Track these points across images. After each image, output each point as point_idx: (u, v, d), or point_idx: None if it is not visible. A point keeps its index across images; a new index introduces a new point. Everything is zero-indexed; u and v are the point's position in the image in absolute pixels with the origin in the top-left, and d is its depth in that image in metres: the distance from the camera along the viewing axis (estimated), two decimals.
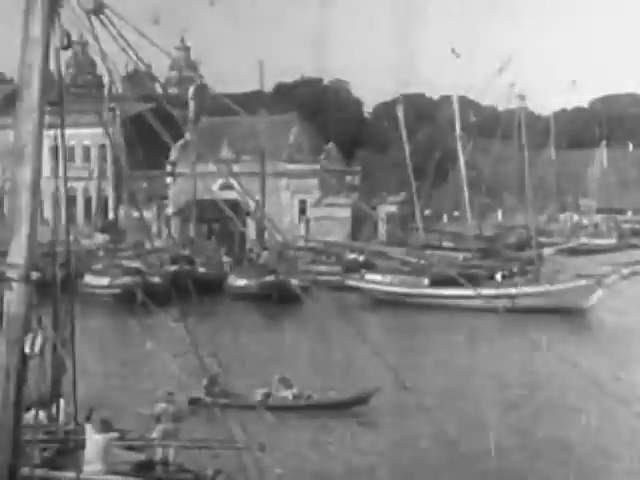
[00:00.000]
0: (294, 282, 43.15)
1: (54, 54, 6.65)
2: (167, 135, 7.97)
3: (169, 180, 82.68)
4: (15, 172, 6.98)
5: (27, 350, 6.86)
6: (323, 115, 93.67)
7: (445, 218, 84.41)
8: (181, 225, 75.66)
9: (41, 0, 6.53)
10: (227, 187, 61.68)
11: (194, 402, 24.19)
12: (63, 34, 6.56)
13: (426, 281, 51.80)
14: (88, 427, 16.77)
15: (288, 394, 26.38)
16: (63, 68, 7.04)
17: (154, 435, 18.91)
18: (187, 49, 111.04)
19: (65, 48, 6.57)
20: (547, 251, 62.59)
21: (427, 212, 77.07)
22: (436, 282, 50.05)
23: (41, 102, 6.72)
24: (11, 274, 6.93)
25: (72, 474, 15.12)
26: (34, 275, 6.92)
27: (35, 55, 6.63)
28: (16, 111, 6.82)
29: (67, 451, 17.25)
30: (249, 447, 13.67)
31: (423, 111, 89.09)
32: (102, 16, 6.45)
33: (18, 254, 6.93)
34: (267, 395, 26.24)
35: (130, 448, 18.22)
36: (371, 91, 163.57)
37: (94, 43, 6.68)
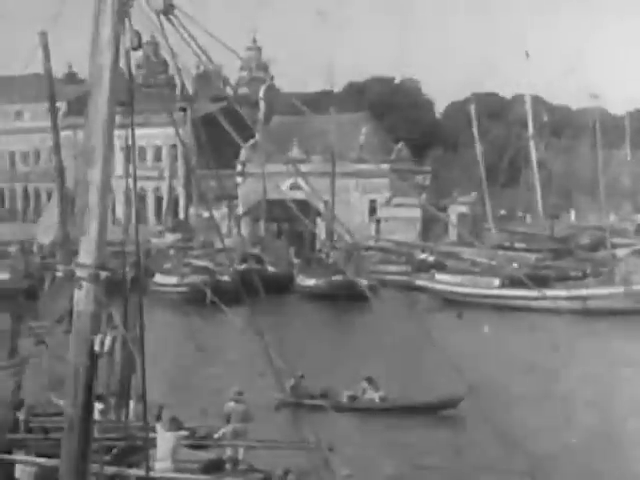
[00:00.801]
0: (363, 282, 43.06)
1: (124, 55, 6.68)
2: (237, 135, 7.97)
3: (239, 180, 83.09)
4: (85, 172, 7.03)
5: (97, 349, 6.91)
6: (394, 114, 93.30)
7: (517, 218, 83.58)
8: (251, 224, 75.96)
9: (111, 1, 6.57)
10: (297, 187, 61.98)
11: (281, 405, 23.98)
12: (133, 35, 6.58)
13: (497, 282, 51.39)
14: (158, 425, 16.87)
15: (375, 396, 26.13)
16: (134, 68, 7.06)
17: (223, 434, 19.01)
18: (258, 49, 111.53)
19: (135, 49, 6.60)
20: (621, 252, 61.60)
21: (502, 212, 76.44)
22: (508, 283, 49.64)
23: (111, 103, 6.76)
24: (80, 273, 6.98)
25: (142, 472, 15.21)
26: (103, 274, 6.97)
27: (105, 56, 6.68)
28: (87, 112, 6.87)
29: (136, 449, 17.38)
30: (318, 447, 13.64)
31: (495, 110, 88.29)
32: (172, 16, 6.47)
33: (87, 254, 6.98)
34: (353, 397, 26.04)
35: (199, 447, 18.33)
36: (443, 90, 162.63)
37: (164, 43, 6.70)
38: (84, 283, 6.93)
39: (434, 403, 25.76)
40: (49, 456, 16.09)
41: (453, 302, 49.74)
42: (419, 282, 52.95)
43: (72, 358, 6.99)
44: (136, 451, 17.33)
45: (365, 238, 68.72)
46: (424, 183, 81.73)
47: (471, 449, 22.42)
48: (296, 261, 61.26)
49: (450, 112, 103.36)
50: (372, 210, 77.99)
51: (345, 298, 48.35)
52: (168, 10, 6.46)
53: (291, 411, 21.73)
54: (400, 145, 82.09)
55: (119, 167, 15.49)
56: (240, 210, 79.09)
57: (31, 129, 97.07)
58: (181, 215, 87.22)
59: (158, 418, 17.33)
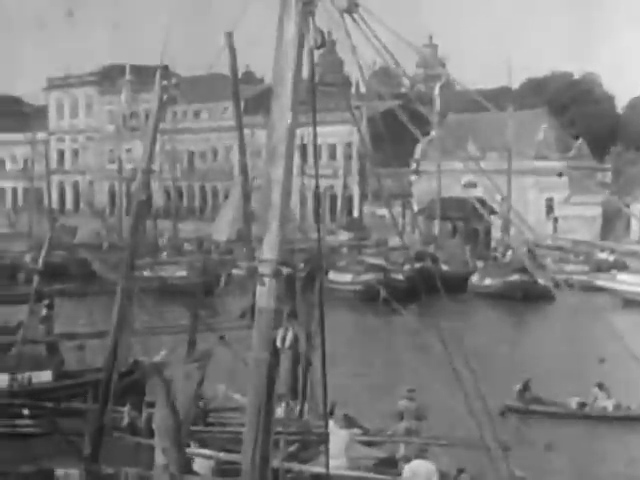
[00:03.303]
0: (540, 281, 42.38)
1: (308, 54, 6.74)
2: (417, 131, 7.95)
3: (413, 178, 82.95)
4: (267, 170, 7.13)
5: (278, 344, 7.00)
6: (573, 110, 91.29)
7: None
8: (425, 223, 75.70)
9: (295, 1, 6.64)
10: (472, 185, 61.45)
11: (507, 410, 23.61)
12: (317, 34, 6.64)
13: None
14: (331, 422, 16.97)
15: (608, 404, 25.26)
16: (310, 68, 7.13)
17: (397, 432, 18.99)
18: (434, 46, 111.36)
19: (319, 48, 6.66)
20: None
21: None
22: None
23: (294, 102, 6.84)
24: (263, 269, 7.09)
25: (319, 469, 15.33)
26: (285, 270, 7.06)
27: (289, 55, 6.76)
28: (270, 111, 6.97)
29: (310, 445, 17.54)
30: (494, 447, 13.44)
31: None
32: (355, 15, 6.50)
33: (269, 250, 7.09)
34: (583, 404, 25.27)
35: (372, 444, 18.36)
36: (625, 85, 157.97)
37: (344, 42, 6.74)
38: (266, 279, 7.04)
39: None
40: (226, 450, 16.45)
41: (635, 303, 48.22)
42: (599, 282, 51.56)
43: (254, 354, 7.11)
44: (309, 447, 17.50)
45: (542, 237, 67.51)
46: (605, 180, 79.66)
47: None
48: (471, 260, 60.69)
49: (634, 107, 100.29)
50: (549, 208, 76.54)
51: (522, 298, 47.67)
52: (352, 9, 6.49)
53: (516, 416, 21.16)
54: (579, 142, 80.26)
55: (294, 165, 15.70)
56: (414, 208, 78.95)
57: (209, 128, 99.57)
58: (355, 213, 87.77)
59: (331, 415, 17.46)
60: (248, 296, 19.89)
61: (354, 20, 6.56)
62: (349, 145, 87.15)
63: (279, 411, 18.41)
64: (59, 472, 15.40)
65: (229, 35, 21.92)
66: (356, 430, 17.80)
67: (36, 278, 21.23)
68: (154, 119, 14.45)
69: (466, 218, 68.70)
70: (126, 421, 18.38)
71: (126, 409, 18.56)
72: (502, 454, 13.63)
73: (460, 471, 16.70)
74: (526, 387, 24.97)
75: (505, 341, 38.39)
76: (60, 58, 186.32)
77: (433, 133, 74.49)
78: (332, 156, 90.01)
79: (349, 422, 17.77)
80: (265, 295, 7.07)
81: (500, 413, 22.89)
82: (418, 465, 16.06)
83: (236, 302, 34.44)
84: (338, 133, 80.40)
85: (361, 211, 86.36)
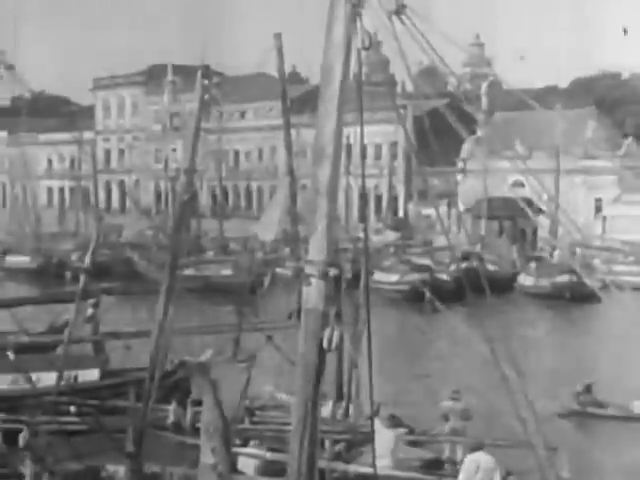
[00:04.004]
0: (588, 282, 41.97)
1: (355, 55, 6.73)
2: (463, 130, 7.92)
3: (460, 177, 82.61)
4: (314, 170, 7.12)
5: (325, 345, 6.98)
6: (622, 109, 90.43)
7: None
8: (471, 222, 75.35)
9: (344, 2, 6.63)
10: (519, 184, 61.01)
11: (566, 413, 23.34)
12: (365, 35, 6.63)
13: None
14: (377, 422, 16.93)
15: None
16: (358, 67, 7.11)
17: (442, 433, 18.92)
18: (481, 45, 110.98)
19: (367, 49, 6.65)
20: None
21: None
22: None
23: (341, 102, 6.82)
24: (310, 270, 7.07)
25: (365, 469, 15.30)
26: (332, 271, 7.03)
27: (337, 56, 6.74)
28: (317, 111, 6.95)
29: (355, 445, 17.52)
30: (539, 447, 13.33)
31: None
32: (402, 15, 6.48)
33: (316, 251, 7.06)
34: None
35: (418, 445, 18.31)
36: None
37: (390, 42, 6.71)
38: (313, 280, 7.02)
39: None
40: (272, 449, 16.47)
41: None
42: None
43: (300, 354, 7.09)
44: (353, 447, 17.48)
45: (590, 237, 66.91)
46: None
47: None
48: (518, 260, 60.30)
49: None
50: (598, 208, 75.82)
51: (570, 299, 47.23)
52: (400, 10, 6.47)
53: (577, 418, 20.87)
54: (629, 140, 79.45)
55: None
56: (461, 208, 78.61)
57: (254, 128, 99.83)
58: (400, 213, 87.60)
59: (376, 415, 17.43)
60: (293, 296, 19.92)
61: (402, 21, 6.53)
62: (395, 144, 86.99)
63: (324, 411, 18.43)
64: (105, 469, 15.51)
65: (278, 36, 21.96)
66: (401, 430, 17.75)
67: (82, 277, 21.35)
68: (196, 119, 14.50)
69: (513, 218, 68.29)
70: (171, 420, 18.47)
71: (171, 408, 18.65)
72: (549, 456, 13.52)
73: (508, 474, 16.59)
74: (588, 389, 24.65)
75: (553, 342, 38.08)
76: (107, 58, 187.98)
77: (480, 132, 74.20)
78: (378, 156, 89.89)
79: (395, 422, 17.73)
80: (312, 296, 7.05)
81: (559, 416, 22.63)
82: (479, 456, 15.98)
83: (280, 302, 34.46)
84: (384, 132, 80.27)
85: (406, 211, 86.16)
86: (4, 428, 17.90)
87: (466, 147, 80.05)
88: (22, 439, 15.84)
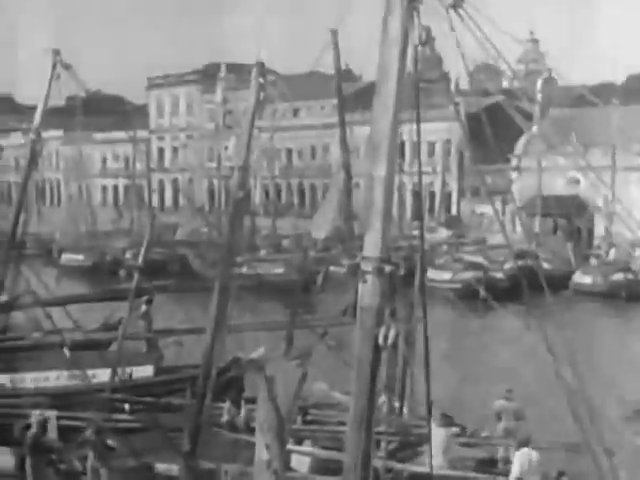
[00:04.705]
0: None
1: (412, 51, 6.68)
2: (518, 127, 7.83)
3: (514, 174, 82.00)
4: (369, 168, 7.08)
5: (380, 342, 6.94)
6: None
7: None
8: (526, 220, 74.78)
9: None
10: (575, 181, 60.56)
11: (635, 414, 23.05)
12: (422, 30, 6.57)
13: None
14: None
15: None
16: (413, 63, 7.05)
17: (495, 432, 18.78)
18: (536, 41, 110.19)
19: (424, 44, 6.59)
20: None
21: None
22: None
23: (397, 99, 6.77)
24: (365, 267, 7.04)
25: (420, 468, 15.25)
26: (388, 268, 7.00)
27: (393, 52, 6.69)
28: (372, 108, 6.92)
29: (409, 445, 17.46)
30: (597, 450, 13.17)
31: None
32: (460, 10, 6.42)
33: (372, 247, 7.03)
34: None
35: (470, 444, 18.19)
36: None
37: (448, 37, 6.66)
38: (368, 277, 6.99)
39: None
40: (325, 447, 16.46)
41: None
42: None
43: (356, 352, 7.06)
44: (407, 446, 17.42)
45: None
46: None
47: None
48: (573, 258, 59.73)
49: None
50: None
51: (627, 298, 46.65)
52: (457, 4, 6.41)
53: None
54: None
55: None
56: (515, 205, 78.05)
57: (307, 126, 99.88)
58: (454, 210, 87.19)
59: (429, 414, 17.32)
60: (348, 293, 19.88)
61: (459, 16, 6.48)
62: (448, 142, 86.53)
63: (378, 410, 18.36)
64: (159, 467, 15.58)
65: (334, 33, 21.94)
66: (453, 429, 17.64)
67: (136, 275, 21.50)
68: (250, 117, 14.48)
69: (568, 215, 67.67)
70: (225, 417, 18.51)
71: (226, 405, 18.70)
72: (607, 458, 13.35)
73: (561, 474, 16.43)
74: None
75: (609, 341, 37.65)
76: (161, 57, 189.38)
77: (535, 129, 73.61)
78: (431, 153, 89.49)
79: (447, 421, 17.62)
80: (368, 293, 7.03)
81: (626, 418, 22.29)
82: (529, 451, 15.99)
83: (334, 299, 34.42)
84: (437, 130, 79.84)
85: (460, 208, 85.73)
86: (61, 425, 18.06)
87: (521, 144, 79.40)
88: (84, 436, 15.94)
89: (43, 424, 16.98)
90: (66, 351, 22.55)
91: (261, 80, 14.17)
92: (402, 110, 7.07)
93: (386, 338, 6.93)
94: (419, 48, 6.79)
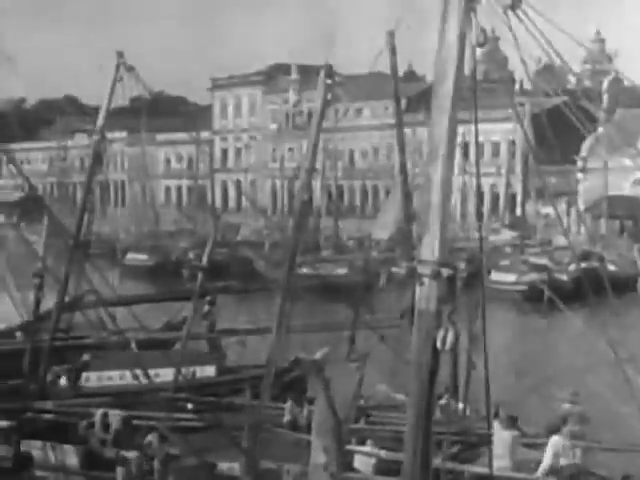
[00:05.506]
0: None
1: (470, 52, 6.64)
2: (584, 128, 7.75)
3: (579, 175, 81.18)
4: (427, 169, 7.05)
5: (439, 345, 6.91)
6: None
7: None
8: (591, 221, 73.99)
9: None
10: None
11: None
12: (479, 31, 6.53)
13: None
14: (496, 423, 16.76)
15: None
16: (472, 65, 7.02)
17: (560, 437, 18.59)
18: (601, 41, 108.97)
19: (481, 45, 6.55)
20: None
21: None
22: None
23: (455, 100, 6.74)
24: (422, 270, 7.01)
25: (481, 469, 15.16)
26: (445, 272, 6.95)
27: (451, 53, 6.66)
28: (430, 109, 6.89)
29: (471, 446, 17.38)
30: None
31: None
32: (518, 11, 6.37)
33: (429, 250, 7.00)
34: None
35: (533, 447, 18.04)
36: None
37: (508, 38, 6.62)
38: (426, 280, 6.96)
39: None
40: (388, 448, 16.42)
41: None
42: None
43: (414, 355, 7.04)
44: (469, 448, 17.33)
45: None
46: None
47: None
48: (639, 260, 58.95)
49: None
50: None
51: None
52: (516, 4, 6.36)
53: None
54: None
55: (455, 164, 15.56)
56: (580, 206, 77.26)
57: (370, 127, 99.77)
58: (518, 212, 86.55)
59: (495, 416, 17.21)
60: (408, 295, 19.81)
61: (518, 17, 6.42)
62: (513, 143, 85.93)
63: (439, 411, 18.29)
64: (221, 466, 15.66)
65: (390, 34, 21.90)
66: (516, 433, 17.49)
67: (200, 275, 21.64)
68: (317, 118, 14.47)
69: (634, 216, 66.90)
70: (287, 417, 18.56)
71: (287, 405, 18.75)
72: None
73: (626, 477, 16.24)
74: None
75: None
76: (224, 58, 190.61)
77: (601, 130, 72.80)
78: (495, 154, 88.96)
79: (513, 423, 17.49)
80: (425, 296, 6.99)
81: None
82: (562, 438, 16.24)
83: (396, 301, 34.32)
84: (501, 130, 79.40)
85: (524, 210, 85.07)
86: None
87: (586, 145, 78.61)
88: (148, 441, 16.05)
89: (106, 423, 17.18)
90: (131, 350, 22.77)
91: (329, 81, 14.16)
92: (464, 111, 7.04)
93: (444, 341, 6.89)
94: (482, 49, 6.75)
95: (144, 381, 20.91)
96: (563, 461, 16.17)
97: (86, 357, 22.81)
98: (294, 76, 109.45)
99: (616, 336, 8.56)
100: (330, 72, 14.19)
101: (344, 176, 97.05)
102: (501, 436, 16.40)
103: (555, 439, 16.33)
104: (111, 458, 16.45)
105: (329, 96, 14.14)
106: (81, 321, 24.75)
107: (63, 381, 22.46)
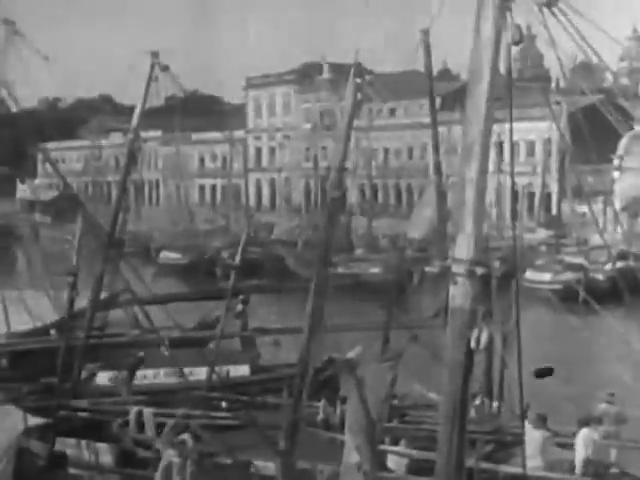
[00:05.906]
0: None
1: (505, 50, 6.60)
2: (621, 126, 7.69)
3: (615, 174, 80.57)
4: (462, 168, 7.02)
5: (473, 345, 6.88)
6: None
7: None
8: (629, 221, 73.41)
9: None
10: None
11: None
12: (515, 29, 6.49)
13: None
14: (526, 422, 16.69)
15: None
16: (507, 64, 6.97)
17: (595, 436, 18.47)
18: (638, 39, 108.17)
19: (517, 43, 6.51)
20: None
21: None
22: None
23: (490, 99, 6.70)
24: (456, 269, 6.98)
25: (515, 469, 15.11)
26: (480, 271, 6.92)
27: (486, 51, 6.62)
28: (465, 108, 6.85)
29: (505, 445, 17.32)
30: None
31: None
32: (554, 8, 6.32)
33: (463, 249, 6.97)
34: None
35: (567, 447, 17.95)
36: None
37: (543, 36, 6.57)
38: (460, 279, 6.93)
39: None
40: (422, 448, 16.38)
41: None
42: None
43: (448, 354, 7.01)
44: (503, 447, 17.26)
45: None
46: None
47: None
48: None
49: None
50: None
51: None
52: (552, 2, 6.31)
53: None
54: None
55: (490, 163, 15.50)
56: (617, 206, 76.66)
57: (404, 125, 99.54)
58: (554, 210, 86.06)
59: (525, 415, 17.14)
60: (441, 295, 19.76)
61: (553, 14, 6.37)
62: (548, 141, 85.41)
63: (473, 411, 18.23)
64: (255, 464, 15.68)
65: (425, 33, 21.88)
66: (547, 432, 17.40)
67: (233, 274, 21.69)
68: (348, 117, 14.44)
69: None
70: (321, 417, 18.56)
71: (321, 404, 18.74)
72: None
73: None
74: None
75: None
76: (259, 57, 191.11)
77: (637, 128, 72.24)
78: (530, 153, 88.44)
79: (543, 422, 17.40)
80: (459, 295, 6.97)
81: None
82: (592, 431, 16.44)
83: (429, 300, 34.27)
84: (537, 129, 78.90)
85: (560, 208, 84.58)
86: (158, 422, 18.30)
87: (623, 144, 78.02)
88: (181, 440, 16.07)
89: (140, 422, 17.24)
90: (164, 349, 22.86)
91: (358, 80, 14.12)
92: (499, 109, 6.99)
93: (478, 341, 6.86)
94: (519, 46, 6.71)
95: (179, 380, 20.99)
96: (592, 455, 16.21)
97: (141, 354, 22.84)
98: (326, 75, 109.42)
99: None
100: (360, 71, 14.15)
101: (378, 175, 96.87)
102: (532, 436, 16.33)
103: (585, 431, 16.41)
104: (145, 457, 16.52)
105: (359, 95, 14.10)
106: (115, 319, 24.88)
107: (100, 379, 22.59)
